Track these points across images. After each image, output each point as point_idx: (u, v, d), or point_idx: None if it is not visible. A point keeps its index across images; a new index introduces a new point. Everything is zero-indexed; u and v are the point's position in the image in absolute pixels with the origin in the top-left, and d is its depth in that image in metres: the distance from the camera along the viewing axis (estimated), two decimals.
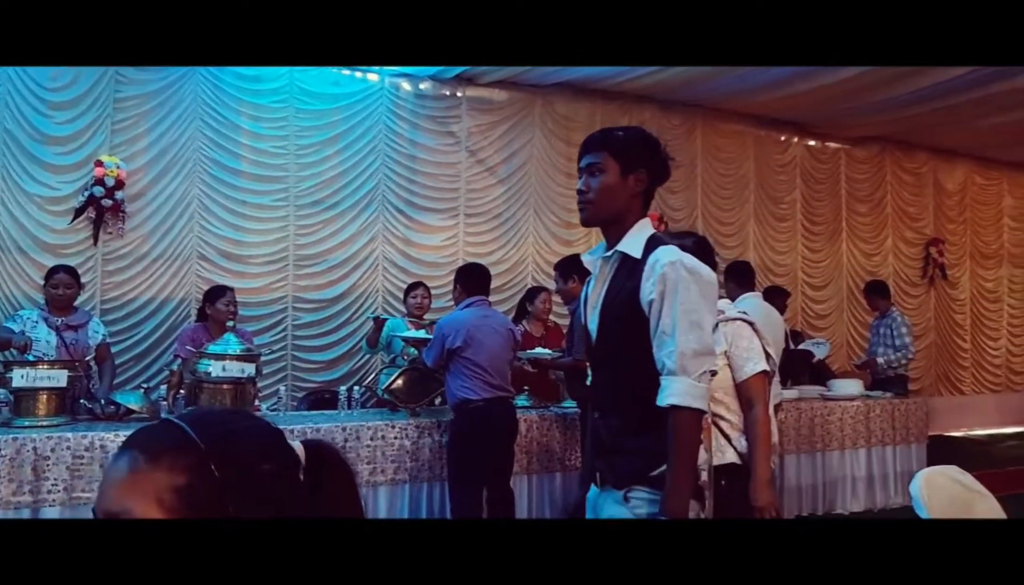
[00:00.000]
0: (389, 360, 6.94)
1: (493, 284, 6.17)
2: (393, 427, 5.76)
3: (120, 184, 7.75)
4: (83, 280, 6.75)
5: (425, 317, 7.09)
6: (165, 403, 5.49)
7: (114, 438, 4.90)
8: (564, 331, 6.78)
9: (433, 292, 7.48)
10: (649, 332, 2.58)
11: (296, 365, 8.70)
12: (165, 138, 8.18)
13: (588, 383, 3.10)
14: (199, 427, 1.06)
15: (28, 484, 4.70)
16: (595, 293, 2.81)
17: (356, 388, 6.49)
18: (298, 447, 1.14)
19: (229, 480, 1.02)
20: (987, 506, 2.38)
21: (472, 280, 5.90)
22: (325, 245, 8.83)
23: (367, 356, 8.49)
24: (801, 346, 8.94)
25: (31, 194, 7.65)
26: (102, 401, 5.54)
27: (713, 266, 3.82)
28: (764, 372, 3.55)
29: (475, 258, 8.23)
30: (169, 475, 1.00)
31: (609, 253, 2.74)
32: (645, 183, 2.72)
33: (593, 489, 2.85)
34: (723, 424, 3.50)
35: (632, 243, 2.68)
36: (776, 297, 7.89)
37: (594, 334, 2.81)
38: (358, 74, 9.04)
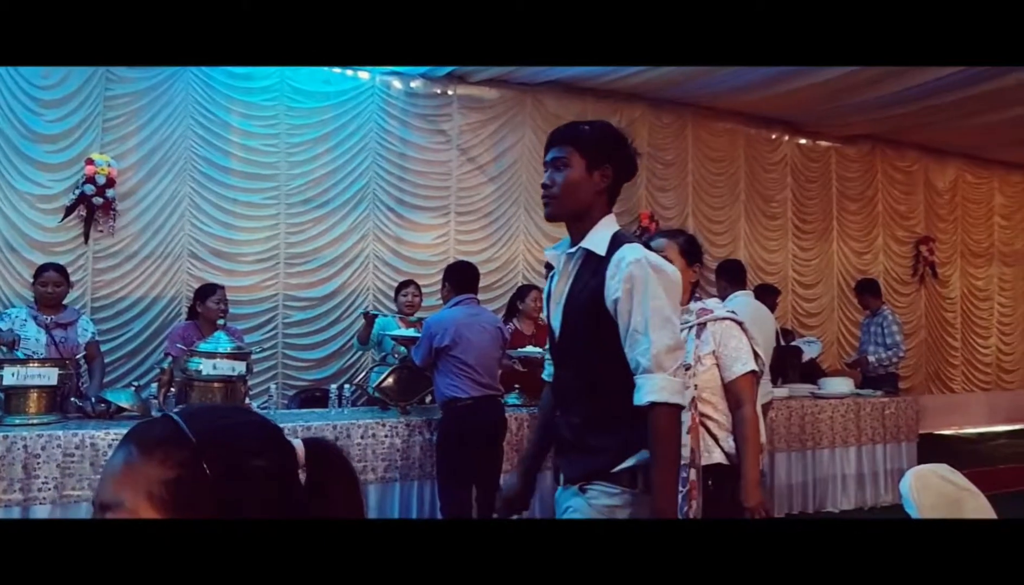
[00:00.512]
0: (380, 358, 6.94)
1: (484, 282, 6.18)
2: (384, 425, 5.77)
3: (111, 182, 7.73)
4: (74, 278, 6.74)
5: (416, 315, 7.09)
6: (156, 401, 5.49)
7: (105, 436, 4.90)
8: None
9: (424, 290, 7.48)
10: (611, 330, 2.58)
11: (287, 363, 8.69)
12: (156, 136, 8.16)
13: (544, 377, 3.12)
14: (194, 422, 1.06)
15: (19, 482, 4.70)
16: (558, 290, 2.80)
17: (347, 386, 6.48)
18: (298, 445, 1.13)
19: (219, 475, 1.01)
20: (977, 504, 2.39)
21: (460, 278, 5.90)
22: (316, 243, 8.81)
23: (358, 353, 8.48)
24: (792, 344, 8.96)
25: (22, 192, 7.63)
26: (93, 399, 5.54)
27: (702, 264, 3.85)
28: (752, 372, 3.54)
29: (466, 256, 8.22)
30: (160, 468, 1.01)
31: (573, 250, 2.73)
32: (610, 179, 2.71)
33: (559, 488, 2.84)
34: (710, 424, 3.50)
35: (596, 240, 2.67)
36: (767, 296, 7.88)
37: (557, 331, 2.80)
38: (349, 72, 9.03)
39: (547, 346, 3.03)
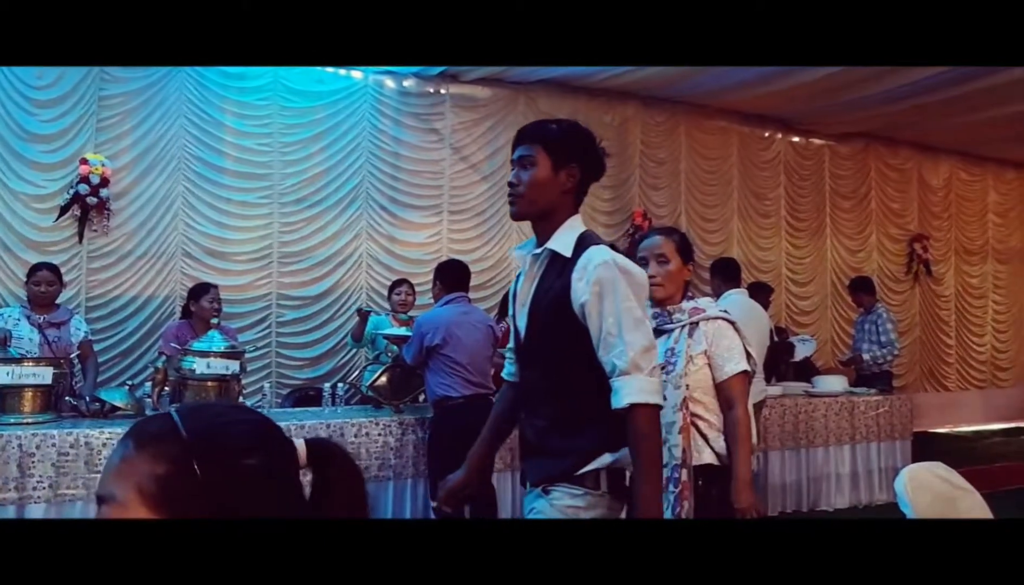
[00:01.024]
0: (373, 357, 6.95)
1: (476, 281, 6.17)
2: (377, 424, 5.77)
3: (105, 182, 7.72)
4: (68, 278, 6.74)
5: (409, 314, 7.09)
6: (150, 400, 5.49)
7: (99, 435, 4.92)
8: None
9: (417, 289, 7.48)
10: (577, 332, 2.56)
11: (280, 362, 8.68)
12: (150, 136, 8.16)
13: (503, 375, 3.09)
14: (189, 419, 1.06)
15: (13, 481, 4.72)
16: (524, 290, 2.77)
17: (340, 385, 6.49)
18: (300, 445, 1.13)
19: (210, 472, 1.02)
20: (972, 503, 2.39)
21: (451, 277, 5.90)
22: (309, 242, 8.81)
23: (351, 352, 8.48)
24: (786, 340, 8.95)
25: (16, 192, 7.62)
26: (87, 398, 5.54)
27: (694, 262, 3.83)
28: (744, 372, 3.51)
29: (459, 255, 8.21)
30: (151, 463, 1.01)
31: (539, 251, 2.71)
32: (577, 179, 2.67)
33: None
34: (701, 424, 3.46)
35: (562, 241, 2.64)
36: (760, 294, 7.86)
37: (522, 332, 2.77)
38: (342, 71, 9.02)
39: (510, 346, 3.01)
